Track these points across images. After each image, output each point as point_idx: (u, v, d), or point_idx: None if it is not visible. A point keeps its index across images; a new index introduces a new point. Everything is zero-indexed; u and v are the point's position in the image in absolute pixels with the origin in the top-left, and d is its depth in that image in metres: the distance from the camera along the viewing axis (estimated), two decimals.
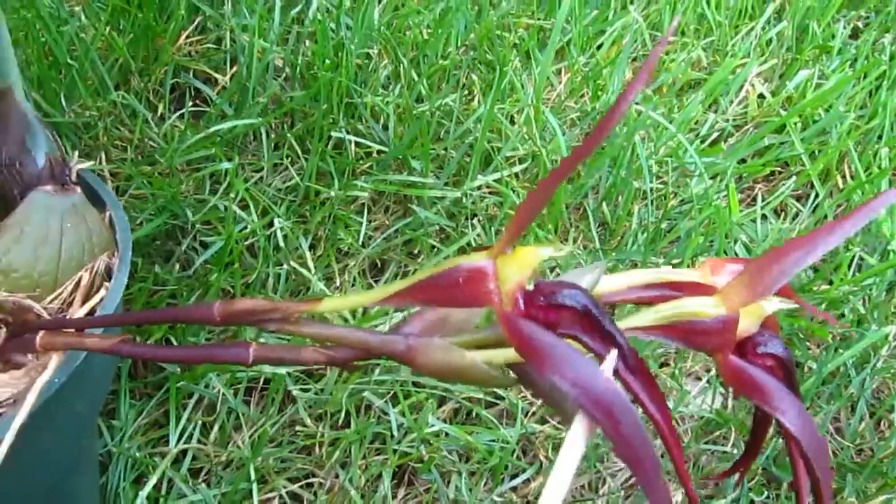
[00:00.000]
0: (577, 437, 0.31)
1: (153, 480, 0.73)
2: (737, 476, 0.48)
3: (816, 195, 1.00)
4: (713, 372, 0.87)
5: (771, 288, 0.34)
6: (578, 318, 0.32)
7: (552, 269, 0.85)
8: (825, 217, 0.98)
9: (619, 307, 0.79)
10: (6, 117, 0.63)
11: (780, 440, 0.81)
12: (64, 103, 0.89)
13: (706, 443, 0.82)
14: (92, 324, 0.46)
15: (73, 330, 0.46)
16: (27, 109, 0.64)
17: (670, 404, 0.83)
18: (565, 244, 0.34)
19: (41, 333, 0.45)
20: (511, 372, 0.39)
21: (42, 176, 0.64)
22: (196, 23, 0.98)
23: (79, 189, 0.56)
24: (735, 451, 0.81)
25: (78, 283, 0.53)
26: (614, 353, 0.32)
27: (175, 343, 0.80)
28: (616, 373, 0.32)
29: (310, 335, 0.38)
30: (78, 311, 0.53)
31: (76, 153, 0.67)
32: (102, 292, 0.54)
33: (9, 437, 0.41)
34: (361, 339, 0.37)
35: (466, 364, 0.37)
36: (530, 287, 0.33)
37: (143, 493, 0.72)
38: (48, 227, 0.53)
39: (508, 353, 0.37)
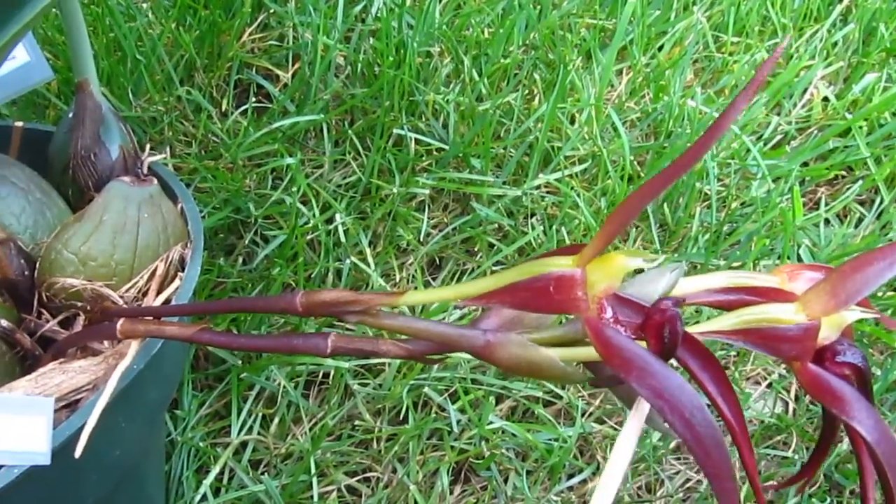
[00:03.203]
0: (630, 435, 0.32)
1: (216, 470, 0.74)
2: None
3: (882, 200, 0.99)
4: (774, 376, 0.86)
5: (853, 298, 0.34)
6: (661, 333, 0.32)
7: None
8: (890, 223, 0.96)
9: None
10: (82, 110, 0.65)
11: (844, 447, 0.80)
12: (131, 97, 0.91)
13: (767, 447, 0.81)
14: (171, 312, 0.46)
15: (151, 318, 0.47)
16: (102, 102, 0.66)
17: None
18: (649, 253, 0.34)
19: (122, 321, 0.45)
20: (585, 369, 0.39)
21: (115, 168, 0.65)
22: (259, 20, 0.99)
23: (155, 180, 0.57)
24: (796, 457, 0.80)
25: (153, 273, 0.54)
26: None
27: (233, 333, 0.81)
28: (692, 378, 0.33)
29: (390, 328, 0.38)
30: (153, 301, 0.54)
31: (148, 146, 0.69)
32: (177, 282, 0.55)
33: (91, 421, 0.42)
34: (442, 333, 0.38)
35: (543, 360, 0.37)
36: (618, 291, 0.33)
37: (207, 481, 0.73)
38: (126, 216, 0.54)
39: (584, 352, 0.37)
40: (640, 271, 0.36)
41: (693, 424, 0.31)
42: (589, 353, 0.37)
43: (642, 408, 0.35)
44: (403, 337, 0.40)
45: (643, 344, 0.33)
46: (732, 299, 0.38)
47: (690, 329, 0.34)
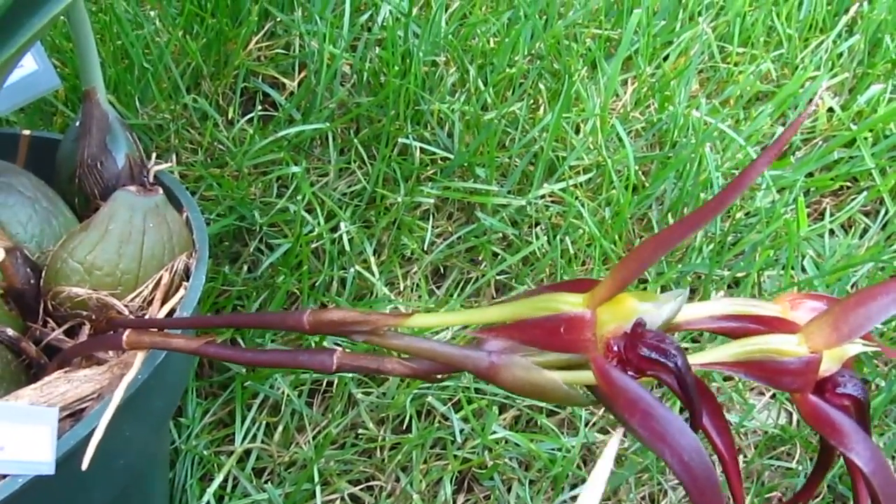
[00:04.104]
0: (610, 453, 0.34)
1: (219, 479, 0.74)
2: None
3: (886, 211, 0.98)
4: None
5: (856, 332, 0.34)
6: (671, 376, 0.33)
7: None
8: (895, 234, 0.96)
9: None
10: (89, 119, 0.65)
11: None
12: (138, 105, 0.91)
13: (770, 458, 0.81)
14: (179, 325, 0.47)
15: (157, 329, 0.47)
16: (109, 111, 0.66)
17: (734, 418, 0.82)
18: (659, 296, 0.34)
19: (128, 332, 0.46)
20: (589, 392, 0.40)
21: (121, 176, 0.66)
22: (266, 28, 0.99)
23: (160, 190, 0.57)
24: (800, 468, 0.80)
25: (158, 282, 0.55)
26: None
27: (242, 344, 0.81)
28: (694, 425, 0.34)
29: (396, 347, 0.38)
30: (158, 310, 0.54)
31: (154, 155, 0.69)
32: (181, 292, 0.55)
33: (99, 431, 0.42)
34: (447, 354, 0.38)
35: (546, 383, 0.38)
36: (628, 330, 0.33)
37: (211, 490, 0.73)
38: (132, 225, 0.55)
39: (586, 375, 0.38)
40: None
41: (691, 468, 0.32)
42: (591, 377, 0.38)
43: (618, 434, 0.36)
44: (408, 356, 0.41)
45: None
46: (735, 326, 0.39)
47: (691, 358, 0.35)
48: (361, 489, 0.77)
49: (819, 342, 0.34)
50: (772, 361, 0.35)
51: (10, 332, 0.53)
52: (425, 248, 0.89)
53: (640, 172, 0.97)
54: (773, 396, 0.85)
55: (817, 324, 0.35)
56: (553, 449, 0.78)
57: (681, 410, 0.76)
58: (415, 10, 1.00)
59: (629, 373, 0.34)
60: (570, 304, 0.35)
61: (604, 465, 0.34)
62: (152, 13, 0.99)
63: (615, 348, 0.34)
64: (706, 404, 0.36)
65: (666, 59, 1.08)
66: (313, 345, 0.81)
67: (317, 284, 0.85)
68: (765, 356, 0.35)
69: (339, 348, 0.39)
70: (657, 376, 0.34)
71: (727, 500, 0.33)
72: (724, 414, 0.35)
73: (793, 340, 0.35)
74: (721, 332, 0.39)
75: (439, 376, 0.41)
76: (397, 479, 0.77)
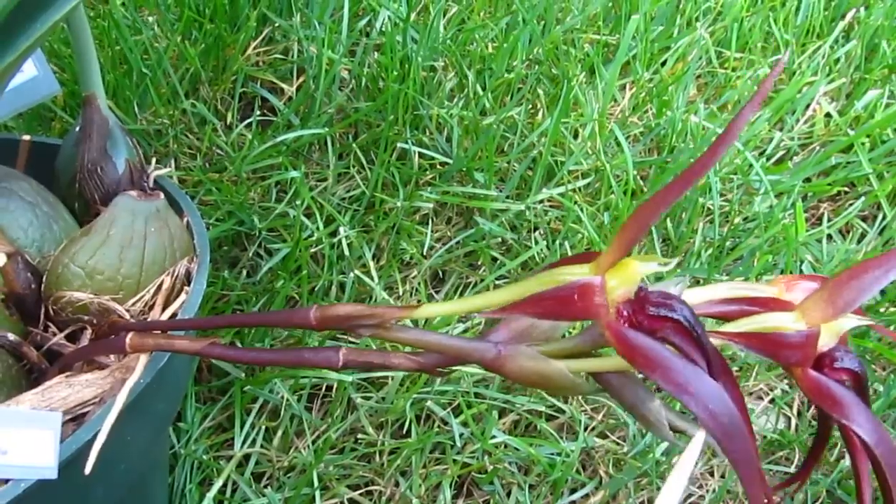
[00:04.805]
0: (693, 450, 0.34)
1: (219, 483, 0.74)
2: (801, 495, 0.49)
3: (884, 216, 0.99)
4: (777, 391, 0.86)
5: (850, 305, 0.35)
6: (679, 329, 0.33)
7: None
8: (892, 239, 0.96)
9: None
10: (89, 124, 0.65)
11: (846, 463, 0.80)
12: (137, 110, 0.91)
13: (769, 463, 0.81)
14: (183, 326, 0.47)
15: (160, 332, 0.47)
16: (109, 116, 0.66)
17: None
18: (660, 258, 0.35)
19: (131, 335, 0.46)
20: (595, 381, 0.40)
21: (122, 181, 0.66)
22: (264, 34, 0.99)
23: (162, 194, 0.57)
24: None
25: (160, 287, 0.55)
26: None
27: (241, 347, 0.81)
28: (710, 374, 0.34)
29: (403, 341, 0.39)
30: (160, 315, 0.54)
31: (154, 160, 0.69)
32: (183, 296, 0.55)
33: (102, 435, 0.42)
34: (454, 346, 0.38)
35: (553, 372, 0.38)
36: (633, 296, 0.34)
37: (210, 494, 0.73)
38: (133, 230, 0.55)
39: (593, 363, 0.38)
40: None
41: (717, 415, 0.32)
42: (597, 364, 0.38)
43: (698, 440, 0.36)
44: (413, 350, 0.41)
45: None
46: (733, 310, 0.40)
47: None
48: (361, 494, 0.77)
49: (816, 317, 0.35)
50: (774, 336, 0.35)
51: (11, 336, 0.53)
52: (424, 253, 0.89)
53: (638, 177, 0.97)
54: (773, 401, 0.86)
55: (813, 300, 0.35)
56: (552, 453, 0.78)
57: None
58: (413, 16, 1.00)
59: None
60: (578, 273, 0.35)
61: (685, 464, 0.34)
62: (151, 19, 0.99)
63: (625, 312, 0.34)
64: (726, 378, 0.36)
65: (664, 64, 1.08)
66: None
67: (316, 289, 0.85)
68: (766, 332, 0.36)
69: (344, 346, 0.39)
70: (667, 337, 0.34)
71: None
72: (730, 369, 0.36)
73: (790, 317, 0.36)
74: (721, 317, 0.39)
75: (444, 370, 0.41)
76: (397, 484, 0.77)
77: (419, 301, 0.87)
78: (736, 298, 0.39)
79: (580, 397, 0.83)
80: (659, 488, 0.80)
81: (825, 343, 0.36)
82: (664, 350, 0.33)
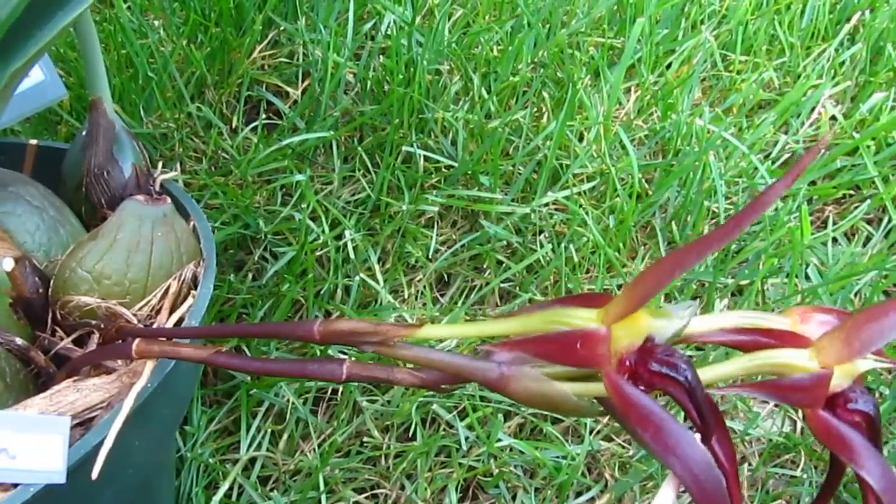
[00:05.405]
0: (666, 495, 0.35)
1: (225, 487, 0.74)
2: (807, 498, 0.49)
3: (889, 219, 0.99)
4: None
5: (867, 348, 0.34)
6: (679, 388, 0.34)
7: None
8: None
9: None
10: (96, 128, 0.66)
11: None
12: (142, 114, 0.91)
13: (775, 466, 0.81)
14: (189, 334, 0.47)
15: (166, 338, 0.47)
16: (115, 120, 0.66)
17: (739, 426, 0.82)
18: (674, 312, 0.35)
19: (137, 341, 0.46)
20: (598, 404, 0.40)
21: (128, 185, 0.66)
22: (270, 37, 0.99)
23: (168, 199, 0.58)
24: (804, 476, 0.80)
25: (167, 291, 0.55)
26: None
27: (248, 353, 0.81)
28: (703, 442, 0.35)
29: (405, 358, 0.39)
30: (166, 319, 0.54)
31: (160, 164, 0.69)
32: (189, 300, 0.55)
33: (109, 440, 0.43)
34: (457, 365, 0.38)
35: (556, 395, 0.38)
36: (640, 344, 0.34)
37: (216, 498, 0.73)
38: (140, 235, 0.55)
39: (596, 387, 0.38)
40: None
41: (701, 481, 0.32)
42: (601, 388, 0.38)
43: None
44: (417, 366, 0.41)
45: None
46: (745, 340, 0.39)
47: (700, 373, 0.35)
48: (367, 497, 0.77)
49: (830, 357, 0.34)
50: (783, 380, 0.35)
51: (18, 341, 0.53)
52: (429, 256, 0.89)
53: (643, 180, 0.97)
54: (778, 405, 0.86)
55: (829, 339, 0.34)
56: (558, 457, 0.78)
57: (684, 419, 0.76)
58: (418, 19, 1.00)
59: (640, 387, 0.34)
60: (585, 319, 0.35)
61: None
62: (156, 23, 0.99)
63: (627, 363, 0.34)
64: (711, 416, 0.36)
65: (669, 67, 1.08)
66: (318, 353, 0.81)
67: (321, 292, 0.85)
68: (775, 370, 0.35)
69: (347, 358, 0.39)
70: (667, 390, 0.34)
71: None
72: (725, 423, 0.35)
73: (804, 355, 0.35)
74: (730, 345, 0.39)
75: (447, 386, 0.41)
76: (402, 487, 0.77)
77: (424, 304, 0.87)
78: (747, 329, 0.39)
79: None
80: None
81: (839, 384, 0.35)
82: (660, 410, 0.33)
